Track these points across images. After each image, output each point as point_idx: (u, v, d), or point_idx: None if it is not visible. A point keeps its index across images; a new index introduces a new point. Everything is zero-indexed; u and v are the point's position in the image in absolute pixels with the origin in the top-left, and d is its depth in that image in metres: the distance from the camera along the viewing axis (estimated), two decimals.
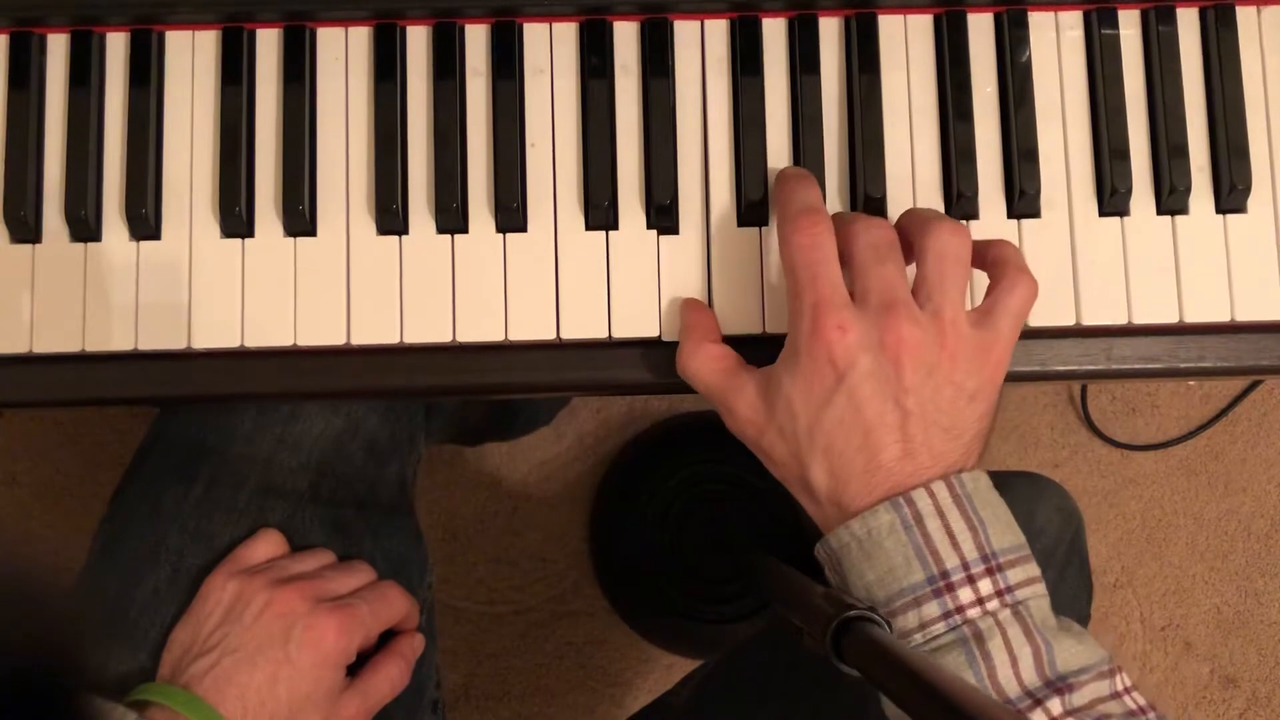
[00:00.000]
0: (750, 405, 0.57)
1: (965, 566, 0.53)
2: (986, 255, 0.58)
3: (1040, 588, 0.55)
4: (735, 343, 0.60)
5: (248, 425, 0.71)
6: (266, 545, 0.69)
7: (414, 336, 0.61)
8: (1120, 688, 0.54)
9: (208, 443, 0.71)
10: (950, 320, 0.55)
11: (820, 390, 0.55)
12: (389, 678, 0.69)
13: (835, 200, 0.62)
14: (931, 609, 0.53)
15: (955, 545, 0.54)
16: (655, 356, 0.62)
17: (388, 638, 0.72)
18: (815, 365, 0.55)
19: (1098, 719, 0.52)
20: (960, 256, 0.56)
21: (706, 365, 0.59)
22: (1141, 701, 0.54)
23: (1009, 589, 0.54)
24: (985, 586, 0.53)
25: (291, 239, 0.62)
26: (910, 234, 0.57)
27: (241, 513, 0.70)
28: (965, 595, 0.53)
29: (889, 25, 0.63)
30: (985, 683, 0.52)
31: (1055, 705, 0.52)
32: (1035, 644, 0.53)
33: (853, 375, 0.54)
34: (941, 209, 0.62)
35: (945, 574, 0.53)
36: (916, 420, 0.54)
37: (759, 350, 0.61)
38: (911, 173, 0.62)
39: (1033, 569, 0.55)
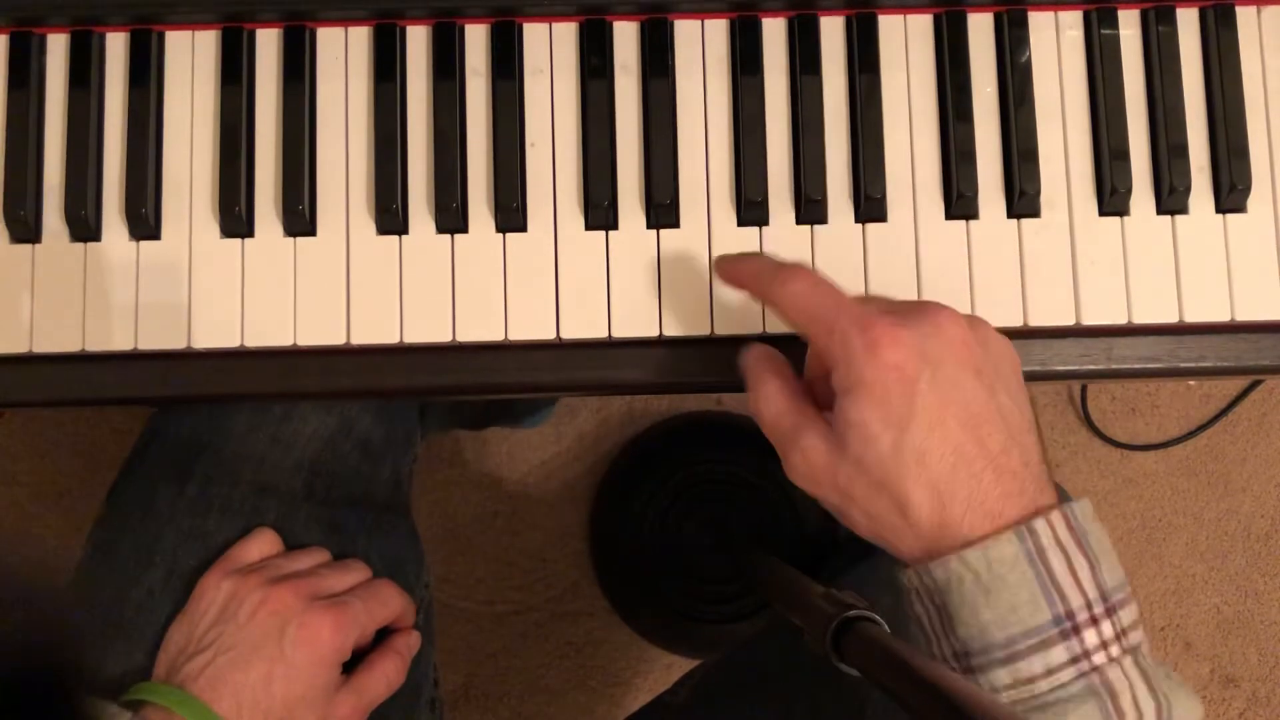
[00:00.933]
0: (818, 441, 0.52)
1: (1089, 606, 0.49)
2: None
3: (1142, 630, 0.51)
4: (735, 343, 0.60)
5: (242, 424, 0.71)
6: (261, 544, 0.69)
7: (414, 336, 0.61)
8: None
9: (202, 442, 0.71)
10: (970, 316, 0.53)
11: (898, 403, 0.50)
12: (385, 675, 0.69)
13: (836, 200, 0.62)
14: (1059, 654, 0.48)
15: (1079, 584, 0.49)
16: (655, 356, 0.62)
17: (384, 636, 0.72)
18: (883, 379, 0.50)
19: None
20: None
21: (780, 400, 0.54)
22: None
23: (1124, 631, 0.49)
24: (1107, 630, 0.49)
25: (291, 239, 0.62)
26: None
27: (236, 512, 0.70)
28: (1091, 639, 0.49)
29: (889, 25, 0.63)
30: None
31: None
32: (1158, 701, 0.49)
33: (923, 376, 0.50)
34: (942, 209, 0.62)
35: (1071, 614, 0.49)
36: (1003, 398, 0.51)
37: None
38: (911, 173, 0.63)
39: (1136, 609, 0.51)
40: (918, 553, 0.51)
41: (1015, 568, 0.49)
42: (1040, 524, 0.49)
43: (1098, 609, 0.49)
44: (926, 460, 0.50)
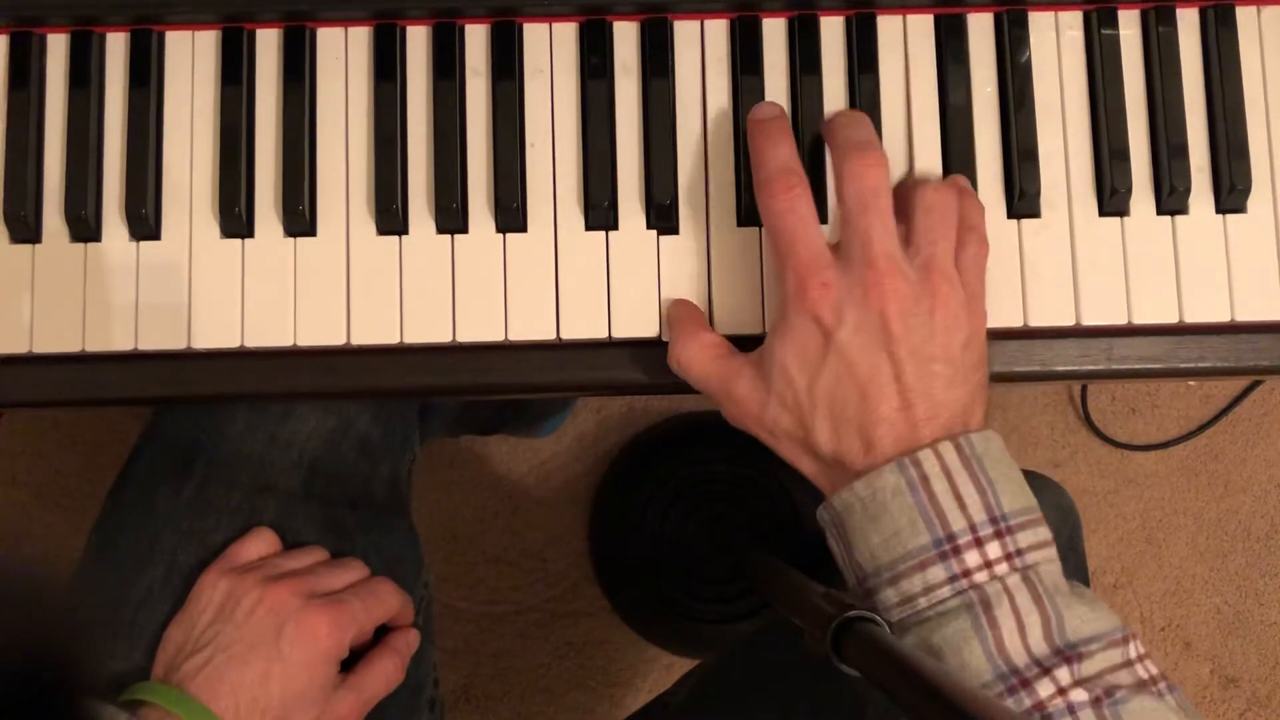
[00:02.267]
0: (749, 384, 0.57)
1: (973, 529, 0.52)
2: None
3: (1051, 551, 0.54)
4: (736, 343, 0.60)
5: (240, 424, 0.71)
6: (259, 543, 0.69)
7: (414, 336, 0.61)
8: (1133, 655, 0.53)
9: (201, 442, 0.71)
10: (941, 270, 0.56)
11: (813, 350, 0.55)
12: (383, 673, 0.69)
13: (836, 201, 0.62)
14: (937, 573, 0.52)
15: (963, 508, 0.53)
16: (655, 356, 0.62)
17: (383, 634, 0.72)
18: (804, 326, 0.55)
19: (1107, 689, 0.51)
20: (947, 210, 0.57)
21: (701, 354, 0.59)
22: (1154, 670, 0.53)
23: (1018, 552, 0.53)
24: (994, 550, 0.52)
25: (291, 239, 0.62)
26: (900, 191, 0.58)
27: (235, 511, 0.70)
28: (972, 559, 0.52)
29: (889, 25, 0.63)
30: (991, 650, 0.51)
31: (1064, 675, 0.51)
32: (1044, 610, 0.52)
33: (841, 331, 0.54)
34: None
35: (952, 536, 0.52)
36: (911, 369, 0.54)
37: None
38: (911, 173, 0.62)
39: (1044, 532, 0.54)
40: (825, 483, 0.57)
41: (896, 495, 0.53)
42: (926, 454, 0.53)
43: (984, 531, 0.52)
44: (831, 408, 0.55)
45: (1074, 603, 0.53)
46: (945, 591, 0.53)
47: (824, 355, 0.55)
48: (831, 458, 0.56)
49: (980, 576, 0.52)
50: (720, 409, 0.59)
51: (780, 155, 0.58)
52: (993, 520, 0.53)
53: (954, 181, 0.60)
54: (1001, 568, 0.52)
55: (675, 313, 0.60)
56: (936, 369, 0.55)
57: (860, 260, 0.55)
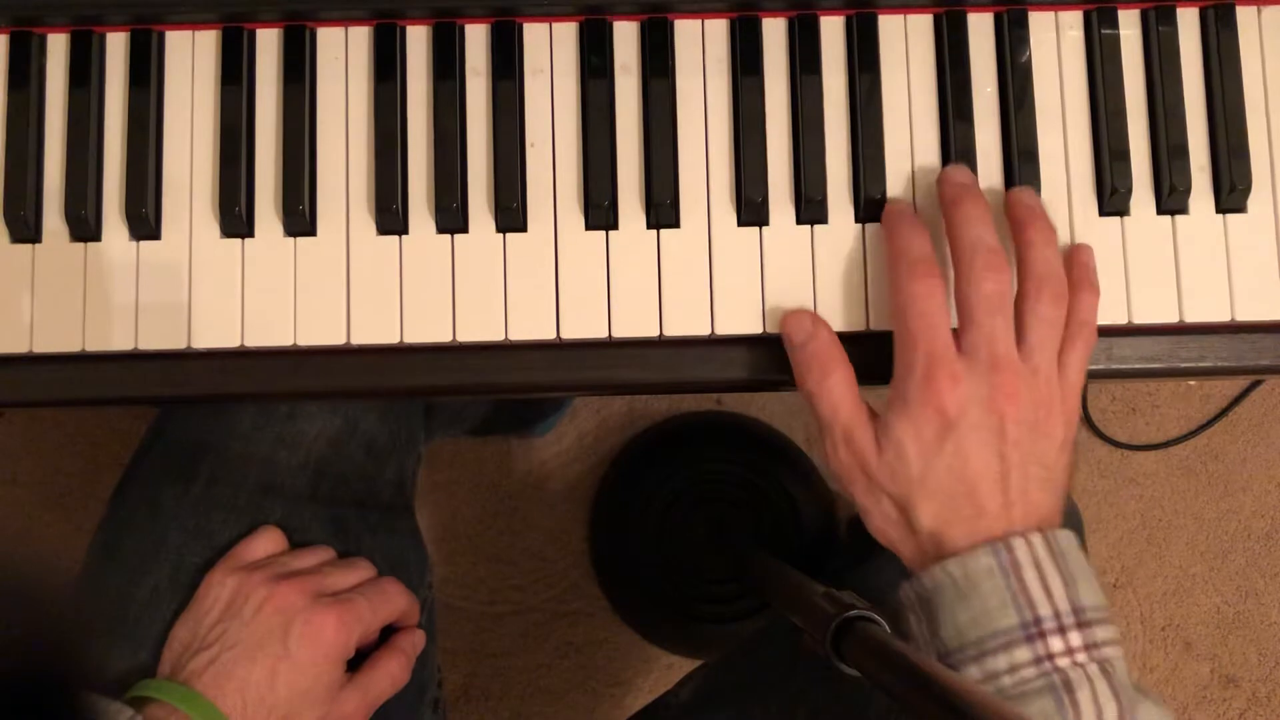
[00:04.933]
0: (870, 436, 0.58)
1: (1058, 617, 0.55)
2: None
3: (1120, 650, 0.56)
4: (735, 343, 0.60)
5: (247, 424, 0.71)
6: (266, 542, 0.69)
7: (414, 336, 0.61)
8: None
9: (207, 442, 0.71)
10: (1046, 378, 0.57)
11: (931, 436, 0.56)
12: (389, 673, 0.69)
13: (836, 200, 0.62)
14: (1023, 653, 0.54)
15: (1050, 596, 0.55)
16: (655, 356, 0.62)
17: (388, 634, 0.72)
18: (926, 413, 0.56)
19: None
20: (1059, 322, 0.58)
21: (849, 390, 0.59)
22: None
23: (1095, 645, 0.55)
24: (1075, 639, 0.55)
25: (291, 239, 0.62)
26: (1019, 276, 0.59)
27: (241, 511, 0.70)
28: (1056, 644, 0.54)
29: (889, 25, 0.63)
30: None
31: None
32: (1120, 702, 0.54)
33: (961, 426, 0.56)
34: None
35: (1038, 620, 0.54)
36: (1017, 472, 0.57)
37: (758, 350, 0.61)
38: (911, 173, 0.63)
39: (1115, 631, 0.57)
40: (914, 559, 0.59)
41: (989, 577, 0.55)
42: (1018, 542, 0.56)
43: (1067, 620, 0.55)
44: (939, 495, 0.57)
45: (1141, 700, 0.56)
46: (1030, 672, 0.54)
47: (941, 444, 0.56)
48: (927, 537, 0.58)
49: (1063, 662, 0.54)
50: (825, 444, 0.60)
51: (923, 244, 0.59)
52: (1075, 611, 0.55)
53: (1081, 283, 0.60)
54: (1081, 656, 0.54)
55: (822, 334, 0.60)
56: (1037, 472, 0.57)
57: (987, 362, 0.56)
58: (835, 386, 0.59)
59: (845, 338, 0.60)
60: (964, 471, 0.56)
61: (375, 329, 0.61)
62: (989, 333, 0.57)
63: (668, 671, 1.30)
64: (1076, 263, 0.60)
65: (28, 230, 0.62)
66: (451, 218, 0.62)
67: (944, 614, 0.56)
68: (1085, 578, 0.56)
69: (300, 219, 0.61)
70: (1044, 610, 0.55)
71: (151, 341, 0.61)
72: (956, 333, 0.58)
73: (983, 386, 0.56)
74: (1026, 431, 0.57)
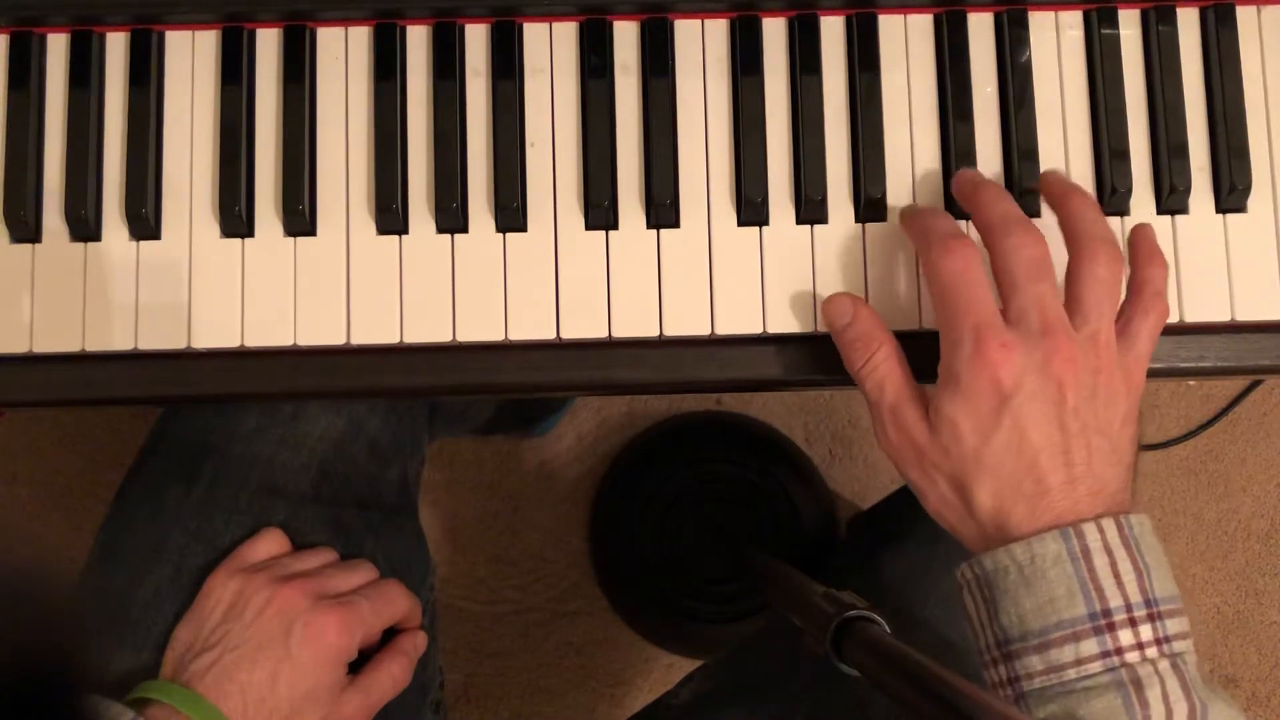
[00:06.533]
0: (920, 415, 0.56)
1: (1129, 608, 0.52)
2: (1132, 275, 0.58)
3: (1191, 643, 0.54)
4: (735, 343, 0.60)
5: (250, 425, 0.71)
6: (268, 543, 0.69)
7: (414, 336, 0.61)
8: None
9: (210, 443, 0.71)
10: (1105, 343, 0.55)
11: (986, 411, 0.54)
12: (391, 675, 0.69)
13: (836, 200, 0.62)
14: (1090, 646, 0.52)
15: (1120, 586, 0.52)
16: (655, 356, 0.62)
17: (390, 636, 0.72)
18: (979, 387, 0.54)
19: None
20: (1115, 284, 0.56)
21: (898, 365, 0.57)
22: None
23: (1168, 639, 0.52)
24: (1146, 632, 0.52)
25: (291, 239, 0.62)
26: (1067, 246, 0.57)
27: (243, 512, 0.70)
28: (1126, 637, 0.52)
29: (889, 25, 0.63)
30: None
31: None
32: (1192, 701, 0.51)
33: (1018, 397, 0.53)
34: (942, 209, 0.62)
35: (1108, 612, 0.52)
36: (1080, 443, 0.54)
37: (758, 349, 0.61)
38: (911, 173, 0.63)
39: (1187, 623, 0.54)
40: (975, 541, 0.56)
41: (1057, 564, 0.52)
42: (1089, 527, 0.53)
43: (1139, 612, 0.52)
44: (999, 472, 0.54)
45: (1215, 700, 0.53)
46: (1096, 666, 0.52)
47: (998, 418, 0.54)
48: (988, 518, 0.55)
49: (1132, 656, 0.52)
50: (875, 427, 0.58)
51: (950, 223, 0.57)
52: (1147, 603, 0.52)
53: (1152, 255, 0.59)
54: (1152, 651, 0.52)
55: (862, 314, 0.59)
56: (1100, 443, 0.54)
57: (1038, 327, 0.54)
58: (879, 364, 0.57)
59: None
60: (1023, 445, 0.53)
61: (375, 329, 0.61)
62: (1036, 296, 0.54)
63: (668, 671, 1.30)
64: (1142, 237, 0.59)
65: (28, 230, 0.62)
66: (451, 217, 0.62)
67: (1005, 599, 0.53)
68: (1159, 566, 0.54)
69: (300, 219, 0.61)
70: (1114, 601, 0.52)
71: (151, 341, 0.61)
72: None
73: (1036, 352, 0.53)
74: (1086, 398, 0.54)
